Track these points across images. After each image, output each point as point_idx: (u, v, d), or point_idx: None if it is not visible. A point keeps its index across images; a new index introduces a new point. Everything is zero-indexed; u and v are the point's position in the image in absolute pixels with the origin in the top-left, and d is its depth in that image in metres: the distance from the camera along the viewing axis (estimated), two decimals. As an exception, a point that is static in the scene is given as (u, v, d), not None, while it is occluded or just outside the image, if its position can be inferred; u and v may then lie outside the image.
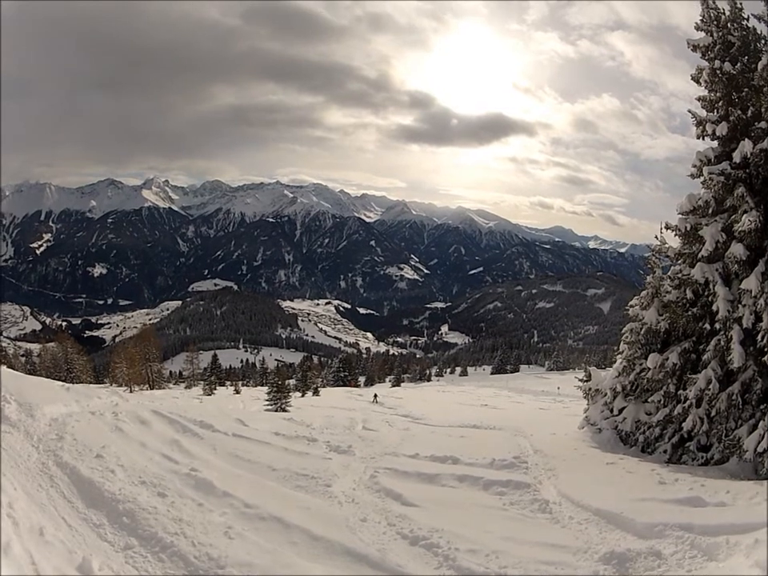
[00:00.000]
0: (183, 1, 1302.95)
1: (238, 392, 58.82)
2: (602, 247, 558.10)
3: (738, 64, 12.88)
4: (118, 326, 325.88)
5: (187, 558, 6.53)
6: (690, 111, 13.96)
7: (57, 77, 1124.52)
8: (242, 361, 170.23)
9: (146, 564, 6.42)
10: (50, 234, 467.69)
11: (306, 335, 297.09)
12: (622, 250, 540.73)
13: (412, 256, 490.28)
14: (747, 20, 13.04)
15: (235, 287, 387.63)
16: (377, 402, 42.92)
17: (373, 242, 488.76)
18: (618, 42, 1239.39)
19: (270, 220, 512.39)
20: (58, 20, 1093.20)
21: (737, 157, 12.33)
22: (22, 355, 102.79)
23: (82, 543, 6.60)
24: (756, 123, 12.40)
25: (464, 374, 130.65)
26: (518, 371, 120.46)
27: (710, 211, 13.05)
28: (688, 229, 13.51)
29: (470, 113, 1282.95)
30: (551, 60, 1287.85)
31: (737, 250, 11.97)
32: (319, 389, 60.53)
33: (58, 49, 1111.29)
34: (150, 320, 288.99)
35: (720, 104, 13.24)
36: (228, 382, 76.98)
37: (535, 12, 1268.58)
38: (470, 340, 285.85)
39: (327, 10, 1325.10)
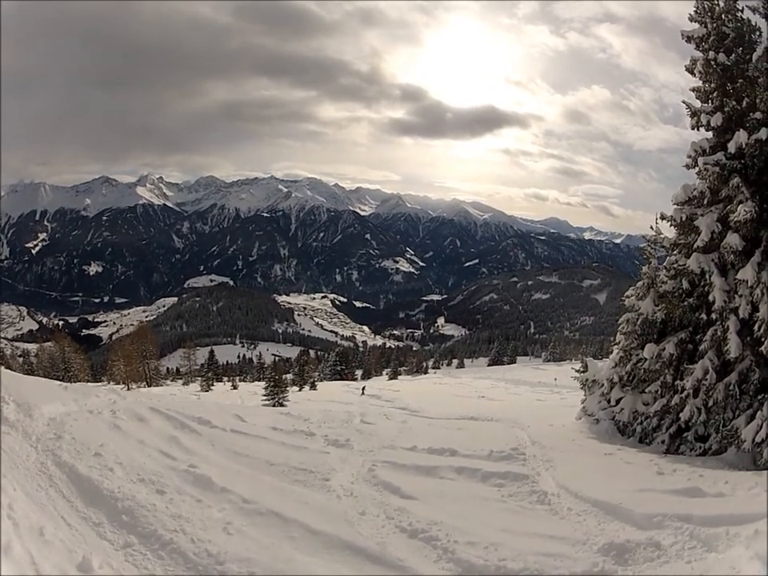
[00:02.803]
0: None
1: (235, 387, 59.13)
2: (598, 238, 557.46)
3: (733, 55, 12.89)
4: (114, 323, 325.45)
5: (186, 554, 6.52)
6: (684, 102, 13.97)
7: (51, 75, 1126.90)
8: (238, 356, 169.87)
9: (146, 561, 6.41)
10: (45, 234, 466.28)
11: (303, 329, 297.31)
12: (618, 241, 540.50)
13: (407, 249, 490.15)
14: (742, 11, 13.04)
15: (231, 283, 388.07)
16: (365, 394, 43.94)
17: (368, 236, 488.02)
18: (608, 34, 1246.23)
19: (265, 215, 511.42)
20: (52, 18, 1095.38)
21: (732, 147, 12.34)
22: (20, 355, 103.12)
23: (81, 542, 6.58)
24: (751, 114, 12.40)
25: (461, 366, 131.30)
26: (514, 363, 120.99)
27: (706, 201, 13.07)
28: (683, 219, 13.51)
29: (462, 105, 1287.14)
30: (542, 53, 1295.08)
31: (732, 240, 11.99)
32: (316, 383, 60.77)
33: (52, 47, 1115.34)
34: (146, 317, 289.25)
35: (715, 95, 13.25)
36: (225, 378, 77.21)
37: (525, 6, 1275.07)
38: (467, 332, 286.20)
39: (318, 5, 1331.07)
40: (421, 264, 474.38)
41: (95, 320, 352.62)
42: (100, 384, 57.86)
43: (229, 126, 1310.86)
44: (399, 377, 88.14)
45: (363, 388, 48.53)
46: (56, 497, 7.87)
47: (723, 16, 13.11)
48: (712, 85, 13.26)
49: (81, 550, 6.17)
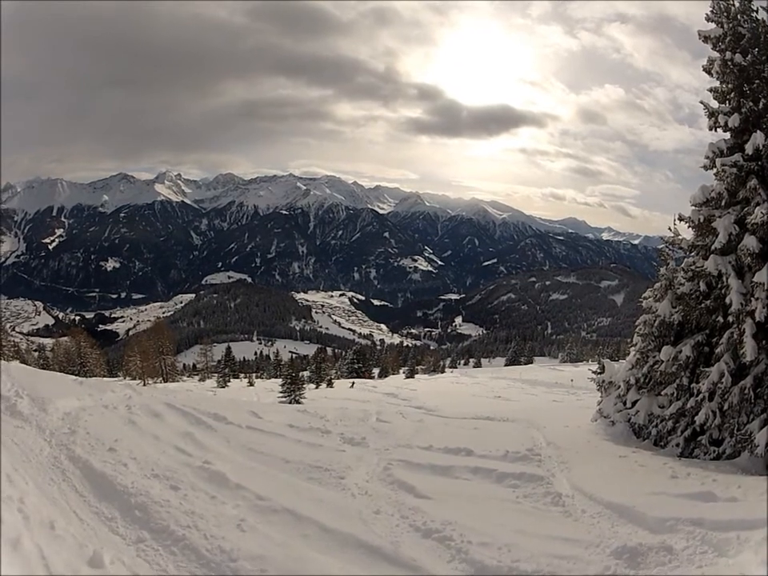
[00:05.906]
0: (191, 0, 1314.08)
1: (251, 384, 59.21)
2: (615, 239, 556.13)
3: (749, 56, 12.78)
4: (131, 319, 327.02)
5: (199, 550, 6.53)
6: (702, 102, 13.85)
7: (69, 74, 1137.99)
8: (256, 353, 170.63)
9: (158, 557, 6.42)
10: (62, 229, 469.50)
11: (320, 327, 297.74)
12: (635, 242, 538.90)
13: (426, 247, 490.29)
14: (756, 12, 12.96)
15: (249, 279, 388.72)
16: (353, 387, 47.03)
17: (386, 234, 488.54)
18: (619, 34, 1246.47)
19: (284, 212, 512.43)
20: (70, 18, 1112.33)
21: (749, 149, 12.24)
22: (35, 350, 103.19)
23: (93, 537, 6.60)
24: (767, 115, 12.35)
25: (478, 365, 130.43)
26: (531, 363, 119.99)
27: (723, 203, 12.98)
28: (701, 221, 13.42)
29: (478, 105, 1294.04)
30: (556, 53, 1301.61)
31: (749, 242, 11.90)
32: (333, 380, 60.86)
33: (70, 46, 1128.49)
34: (163, 313, 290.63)
35: (732, 95, 13.13)
36: (242, 375, 77.29)
37: (538, 7, 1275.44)
38: (484, 332, 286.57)
39: (332, 5, 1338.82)
40: (439, 263, 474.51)
41: (112, 316, 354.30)
42: (116, 379, 58.15)
43: (247, 125, 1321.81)
44: (416, 375, 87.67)
45: (353, 383, 50.63)
46: (68, 491, 7.92)
47: (739, 16, 13.00)
48: (729, 85, 13.14)
49: (92, 544, 6.17)
